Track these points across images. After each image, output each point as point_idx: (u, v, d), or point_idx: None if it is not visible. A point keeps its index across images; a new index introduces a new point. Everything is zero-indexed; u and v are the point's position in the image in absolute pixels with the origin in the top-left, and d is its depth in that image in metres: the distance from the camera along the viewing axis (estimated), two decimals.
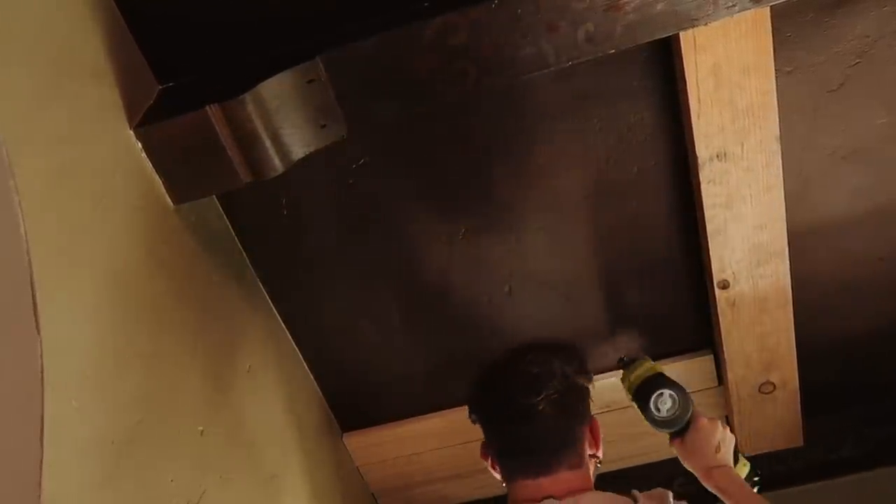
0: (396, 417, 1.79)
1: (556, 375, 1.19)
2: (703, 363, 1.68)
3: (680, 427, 1.33)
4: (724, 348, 1.58)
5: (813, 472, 1.74)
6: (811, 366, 1.63)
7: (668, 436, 1.37)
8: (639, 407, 1.37)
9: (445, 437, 1.79)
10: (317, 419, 1.70)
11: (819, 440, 1.76)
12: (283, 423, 1.52)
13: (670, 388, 1.33)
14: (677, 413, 1.31)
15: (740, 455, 1.35)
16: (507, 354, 1.25)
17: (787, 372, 1.62)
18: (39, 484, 0.66)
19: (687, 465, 1.32)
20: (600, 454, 1.22)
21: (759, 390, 1.64)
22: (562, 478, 1.15)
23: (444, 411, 1.75)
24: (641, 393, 1.37)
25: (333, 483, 1.72)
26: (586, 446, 1.20)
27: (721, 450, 1.29)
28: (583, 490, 1.15)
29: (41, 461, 0.66)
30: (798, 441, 1.75)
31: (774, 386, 1.64)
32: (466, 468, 1.82)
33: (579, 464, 1.17)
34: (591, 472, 1.21)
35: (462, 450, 1.77)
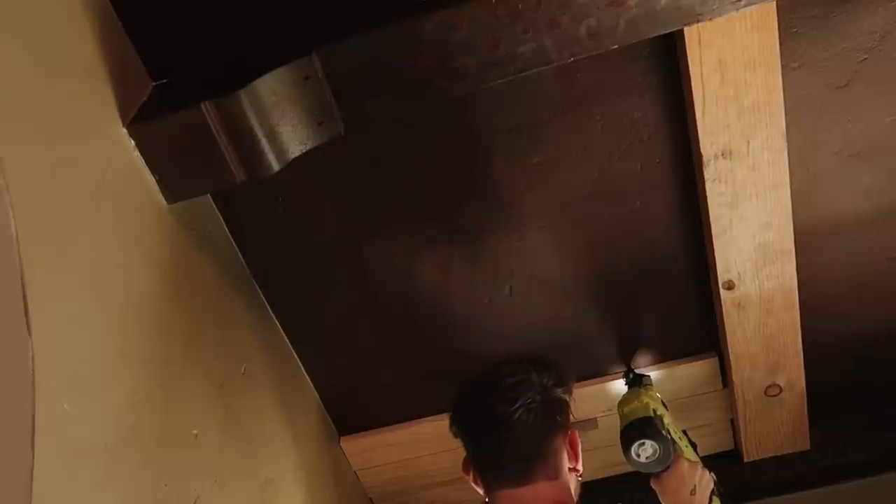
0: (395, 421, 1.78)
1: (532, 385, 1.19)
2: (708, 365, 1.66)
3: (658, 471, 1.37)
4: (730, 350, 1.57)
5: (819, 476, 1.73)
6: (818, 368, 1.62)
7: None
8: (621, 444, 1.41)
9: (445, 440, 1.74)
10: (313, 423, 1.69)
11: (826, 444, 1.75)
12: (279, 427, 1.51)
13: (653, 439, 1.36)
14: (655, 461, 1.36)
15: (715, 498, 1.38)
16: (486, 367, 1.24)
17: (794, 374, 1.60)
18: (30, 488, 0.64)
19: (663, 503, 1.36)
20: (580, 468, 1.21)
21: (766, 393, 1.63)
22: (540, 487, 1.15)
23: (443, 414, 1.70)
24: (627, 433, 1.40)
25: (330, 488, 1.70)
26: (564, 458, 1.19)
27: (696, 493, 1.33)
28: (563, 503, 1.14)
29: (32, 465, 0.64)
30: (804, 445, 1.74)
31: (781, 388, 1.62)
32: None
33: (556, 475, 1.16)
34: (573, 486, 1.19)
35: (462, 454, 1.75)
